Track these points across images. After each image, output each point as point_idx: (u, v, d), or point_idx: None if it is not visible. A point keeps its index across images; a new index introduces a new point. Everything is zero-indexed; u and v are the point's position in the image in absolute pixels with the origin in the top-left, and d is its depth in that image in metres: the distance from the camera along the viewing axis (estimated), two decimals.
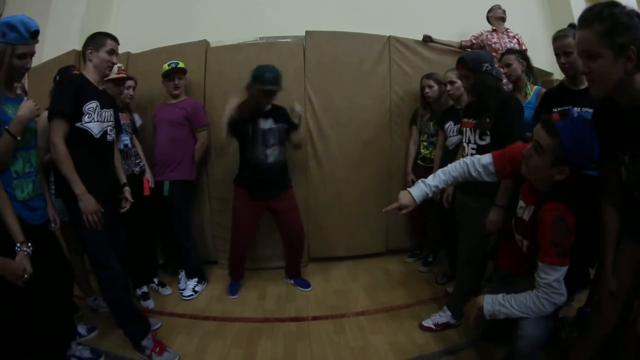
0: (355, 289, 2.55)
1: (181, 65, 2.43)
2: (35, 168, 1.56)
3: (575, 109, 1.58)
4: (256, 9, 2.95)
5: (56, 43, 2.79)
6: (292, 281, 2.60)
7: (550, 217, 1.23)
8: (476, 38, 3.03)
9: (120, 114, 2.23)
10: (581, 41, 1.06)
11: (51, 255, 1.66)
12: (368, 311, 2.25)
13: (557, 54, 1.71)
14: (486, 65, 1.77)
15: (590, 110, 1.54)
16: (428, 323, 2.03)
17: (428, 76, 2.58)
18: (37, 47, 2.74)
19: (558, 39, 1.70)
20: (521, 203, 1.42)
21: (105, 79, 2.12)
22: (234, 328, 2.11)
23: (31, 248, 1.34)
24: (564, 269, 1.22)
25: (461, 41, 3.01)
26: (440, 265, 2.76)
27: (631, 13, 1.02)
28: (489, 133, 1.77)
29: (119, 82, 2.22)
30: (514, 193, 1.57)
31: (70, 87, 1.64)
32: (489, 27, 3.07)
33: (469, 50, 2.89)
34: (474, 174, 1.50)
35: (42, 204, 1.61)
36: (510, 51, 2.34)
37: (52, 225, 1.72)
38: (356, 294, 2.47)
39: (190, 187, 2.59)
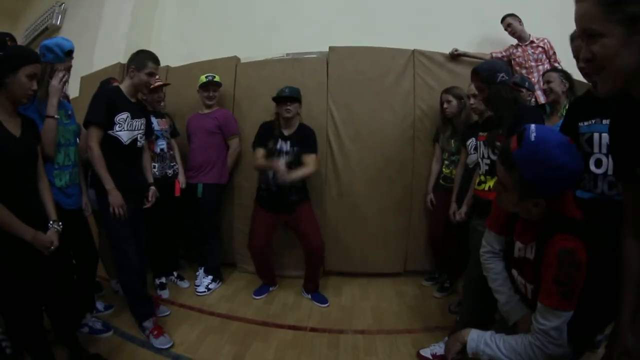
0: (363, 306, 2.48)
1: (217, 79, 2.66)
2: (72, 162, 1.85)
3: (604, 120, 1.28)
4: (283, 26, 3.10)
5: (104, 55, 3.17)
6: (309, 296, 2.57)
7: (556, 250, 1.01)
8: (503, 52, 2.87)
9: (159, 119, 2.53)
10: (579, 17, 0.80)
11: (80, 236, 1.94)
12: (368, 331, 2.18)
13: (576, 57, 1.38)
14: (501, 75, 1.65)
15: None
16: (426, 352, 1.91)
17: (447, 91, 2.48)
18: (88, 58, 3.21)
19: (576, 39, 1.39)
20: (518, 244, 1.22)
21: (147, 89, 2.43)
22: (233, 326, 2.20)
23: (61, 226, 1.55)
24: (567, 315, 1.00)
25: (491, 53, 2.84)
26: (456, 293, 2.57)
27: None
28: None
29: (156, 89, 2.51)
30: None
31: (103, 100, 1.90)
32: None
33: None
34: (501, 263, 1.34)
35: (76, 192, 1.89)
36: (555, 70, 2.20)
37: (85, 211, 2.01)
38: (362, 312, 2.40)
39: (222, 191, 2.78)
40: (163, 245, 2.59)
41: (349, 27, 2.98)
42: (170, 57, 2.90)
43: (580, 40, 0.83)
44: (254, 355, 1.92)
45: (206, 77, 2.65)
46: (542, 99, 2.59)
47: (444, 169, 2.57)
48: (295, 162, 2.33)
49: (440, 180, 2.59)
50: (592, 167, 1.29)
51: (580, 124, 1.36)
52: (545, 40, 2.75)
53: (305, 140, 2.38)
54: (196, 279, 2.70)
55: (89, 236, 2.02)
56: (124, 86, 2.00)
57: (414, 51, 2.79)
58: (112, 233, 1.97)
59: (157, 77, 2.49)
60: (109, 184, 1.86)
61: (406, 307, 2.46)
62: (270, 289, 2.66)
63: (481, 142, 1.78)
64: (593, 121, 1.30)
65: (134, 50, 2.03)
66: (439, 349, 1.89)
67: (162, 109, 2.63)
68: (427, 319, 2.29)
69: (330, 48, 2.81)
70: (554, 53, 2.68)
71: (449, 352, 1.23)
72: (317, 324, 2.25)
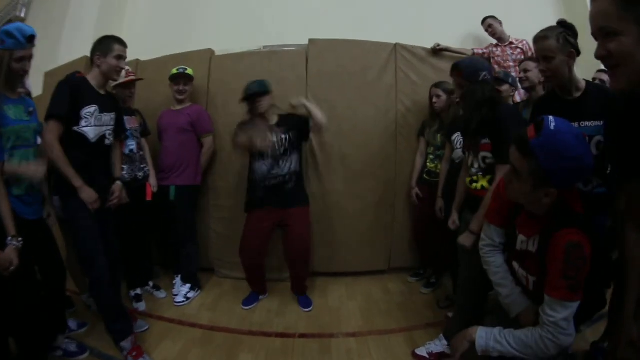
0: (351, 308, 2.42)
1: (189, 72, 2.49)
2: None
3: (575, 123, 1.32)
4: (260, 18, 2.97)
5: (70, 49, 2.92)
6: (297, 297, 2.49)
7: (562, 244, 1.04)
8: (484, 49, 2.93)
9: (129, 117, 2.31)
10: (595, 16, 0.81)
11: (44, 249, 1.73)
12: (360, 333, 2.12)
13: (540, 58, 1.44)
14: (484, 73, 1.61)
15: (593, 124, 1.36)
16: (422, 351, 1.87)
17: (437, 85, 2.45)
18: (53, 52, 2.91)
19: (537, 41, 1.42)
20: (521, 237, 1.22)
21: (114, 84, 2.20)
22: (218, 338, 2.07)
23: (21, 242, 1.40)
24: (575, 306, 1.04)
25: (473, 49, 2.86)
26: (443, 288, 2.58)
27: None
28: (488, 155, 1.61)
29: (128, 85, 2.30)
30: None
31: (67, 90, 1.70)
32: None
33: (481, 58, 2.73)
34: (501, 257, 1.35)
35: (37, 199, 1.69)
36: (533, 59, 2.19)
37: (49, 221, 1.81)
38: (350, 314, 2.34)
39: (196, 192, 2.62)
40: (136, 253, 2.40)
41: (329, 20, 2.90)
42: (141, 50, 2.68)
43: (594, 38, 0.83)
44: None
45: (177, 69, 2.47)
46: (518, 99, 2.64)
47: (428, 164, 2.55)
48: (293, 148, 2.25)
49: (425, 175, 2.57)
50: None
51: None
52: (525, 42, 2.83)
53: (294, 120, 2.28)
54: (173, 288, 2.53)
55: (55, 248, 1.81)
56: (92, 77, 1.81)
57: (395, 45, 2.74)
58: (79, 243, 1.79)
59: (128, 68, 2.26)
60: (76, 180, 1.69)
61: (395, 305, 2.43)
62: (260, 297, 2.52)
63: (469, 152, 1.75)
64: (541, 118, 1.31)
65: None
66: (434, 346, 1.86)
67: (132, 106, 2.42)
68: (418, 317, 2.27)
69: (310, 41, 2.69)
70: (533, 54, 2.72)
71: (456, 351, 1.23)
72: (306, 329, 2.16)
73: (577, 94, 1.43)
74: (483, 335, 1.16)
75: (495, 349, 1.13)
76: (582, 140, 1.03)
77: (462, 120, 1.69)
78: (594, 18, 0.81)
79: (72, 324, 2.03)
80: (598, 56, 0.83)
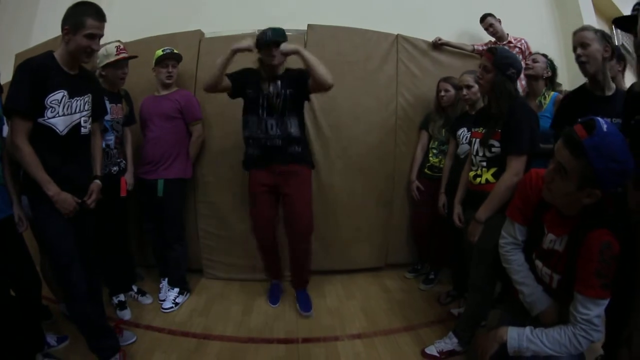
0: (351, 307, 2.34)
1: (176, 51, 2.26)
2: None
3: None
4: None
5: (45, 28, 2.59)
6: (296, 295, 2.33)
7: (598, 244, 1.08)
8: (484, 46, 2.91)
9: (114, 105, 2.05)
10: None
11: (13, 256, 1.51)
12: (365, 334, 2.05)
13: (574, 47, 1.60)
14: (512, 71, 1.62)
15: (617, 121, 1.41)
16: (432, 350, 1.85)
17: (446, 79, 2.40)
18: (25, 32, 2.58)
19: (576, 33, 1.61)
20: (550, 236, 1.24)
21: (104, 63, 1.95)
22: (215, 348, 1.90)
23: None
24: (606, 303, 1.10)
25: (473, 45, 2.85)
26: (442, 284, 2.57)
27: None
28: (495, 144, 1.63)
29: (119, 64, 2.02)
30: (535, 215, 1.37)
31: (27, 78, 1.39)
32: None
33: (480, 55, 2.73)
34: (522, 255, 1.37)
35: (3, 197, 1.47)
36: (545, 55, 2.25)
37: (20, 227, 1.56)
38: (352, 314, 2.26)
39: (185, 187, 2.42)
40: (116, 255, 2.16)
41: (329, 5, 2.74)
42: (123, 31, 2.39)
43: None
44: None
45: (163, 50, 2.24)
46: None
47: (431, 158, 2.51)
48: (292, 109, 2.01)
49: (426, 170, 2.53)
50: None
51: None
52: (523, 41, 2.86)
53: (298, 76, 1.99)
54: (160, 292, 2.33)
55: (25, 255, 1.59)
56: (59, 54, 1.48)
57: (397, 36, 2.64)
58: (51, 250, 1.54)
59: (119, 44, 2.01)
60: (50, 188, 1.43)
61: (396, 303, 2.39)
62: (280, 286, 2.42)
63: (476, 140, 1.74)
64: (591, 118, 1.36)
65: None
66: (444, 345, 1.85)
67: (121, 91, 2.16)
68: (421, 314, 2.25)
69: (309, 26, 2.53)
70: (530, 53, 2.74)
71: (485, 354, 1.26)
72: (309, 333, 2.05)
73: (609, 93, 1.52)
74: (515, 336, 1.19)
75: (530, 348, 1.16)
76: (626, 143, 1.07)
77: (491, 113, 1.69)
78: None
79: (50, 339, 1.78)
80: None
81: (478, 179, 1.73)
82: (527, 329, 1.19)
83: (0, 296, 1.38)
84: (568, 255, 1.17)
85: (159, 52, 2.23)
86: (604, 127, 1.04)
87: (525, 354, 1.18)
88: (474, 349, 1.57)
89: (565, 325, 1.13)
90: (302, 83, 1.97)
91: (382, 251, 2.81)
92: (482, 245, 1.66)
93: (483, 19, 2.94)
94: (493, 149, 1.65)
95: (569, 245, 1.17)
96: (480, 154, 1.71)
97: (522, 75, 2.42)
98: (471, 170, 1.79)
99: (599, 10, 3.73)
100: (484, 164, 1.70)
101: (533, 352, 1.16)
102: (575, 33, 1.60)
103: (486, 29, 2.96)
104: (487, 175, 1.70)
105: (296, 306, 2.27)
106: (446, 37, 2.78)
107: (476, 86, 2.04)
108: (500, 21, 2.92)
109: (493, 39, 2.95)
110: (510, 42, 2.88)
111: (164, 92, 2.29)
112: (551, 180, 1.15)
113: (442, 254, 2.51)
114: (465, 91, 2.16)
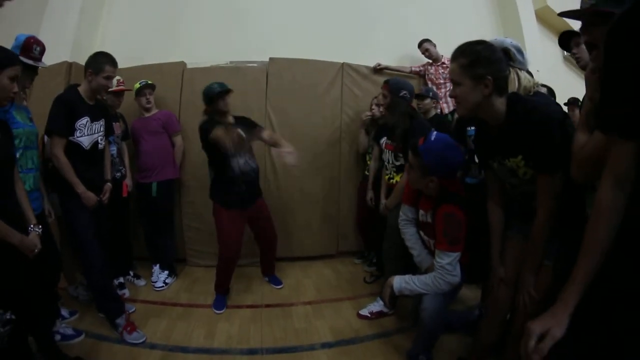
0: (306, 283, 2.92)
1: (150, 81, 2.79)
2: (35, 166, 1.88)
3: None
4: (228, 35, 3.31)
5: (48, 53, 2.99)
6: (267, 279, 2.88)
7: (441, 214, 1.54)
8: (421, 67, 3.48)
9: (115, 124, 2.57)
10: (450, 72, 1.32)
11: (44, 242, 1.86)
12: (314, 301, 2.61)
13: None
14: (404, 92, 2.20)
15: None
16: (364, 311, 2.34)
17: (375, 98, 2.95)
18: None
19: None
20: (421, 212, 1.76)
21: (105, 92, 2.41)
22: (197, 313, 2.43)
23: (41, 229, 1.55)
24: (455, 255, 1.48)
25: (411, 67, 3.43)
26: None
27: (493, 48, 1.23)
28: (400, 155, 2.22)
29: (119, 94, 2.57)
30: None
31: (62, 108, 1.95)
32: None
33: (417, 75, 3.36)
34: (413, 227, 1.84)
35: (38, 196, 1.91)
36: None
37: (48, 218, 2.02)
38: (306, 288, 2.83)
39: (174, 186, 2.96)
40: (119, 245, 2.67)
41: (287, 40, 3.30)
42: (117, 57, 2.85)
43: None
44: (222, 332, 2.20)
45: (139, 83, 2.77)
46: (446, 110, 3.26)
47: (369, 162, 2.99)
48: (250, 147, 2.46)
49: (366, 172, 3.06)
50: (476, 160, 1.84)
51: (468, 128, 1.94)
52: None
53: (247, 122, 2.43)
54: (152, 276, 2.84)
55: (52, 241, 2.02)
56: (83, 90, 2.05)
57: (343, 64, 3.26)
58: (77, 235, 2.03)
59: (118, 78, 2.50)
60: (79, 187, 1.97)
61: (344, 280, 2.97)
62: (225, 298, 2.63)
63: (388, 151, 2.34)
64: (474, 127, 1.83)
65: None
66: (374, 307, 2.35)
67: (117, 113, 2.69)
68: (362, 288, 2.81)
69: (271, 59, 3.12)
70: None
71: (385, 297, 1.67)
72: (271, 301, 2.61)
73: None
74: (398, 281, 1.61)
75: (407, 288, 1.58)
76: (451, 146, 1.56)
77: (388, 126, 2.28)
78: (450, 73, 1.30)
79: (64, 312, 2.23)
80: (451, 95, 1.36)
81: (391, 180, 2.36)
82: (407, 276, 1.60)
83: (34, 270, 1.60)
84: (432, 224, 1.61)
85: (137, 85, 2.76)
86: (432, 136, 1.57)
87: (404, 293, 1.59)
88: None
89: (432, 272, 1.54)
90: (251, 128, 2.40)
91: (334, 241, 3.40)
92: (392, 223, 2.20)
93: (420, 44, 3.41)
94: (398, 159, 2.27)
95: (432, 218, 1.62)
96: (391, 162, 2.33)
97: (442, 100, 3.03)
98: (385, 174, 2.42)
99: (542, 19, 4.07)
100: (395, 169, 2.33)
101: (409, 290, 1.57)
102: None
103: (423, 53, 3.42)
104: (397, 178, 2.33)
105: (262, 287, 2.82)
106: (388, 61, 3.36)
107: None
108: (435, 45, 3.39)
109: (429, 61, 3.45)
110: (443, 63, 3.34)
111: (148, 115, 2.84)
112: (408, 172, 1.71)
113: (378, 241, 3.06)
114: (379, 107, 2.76)
